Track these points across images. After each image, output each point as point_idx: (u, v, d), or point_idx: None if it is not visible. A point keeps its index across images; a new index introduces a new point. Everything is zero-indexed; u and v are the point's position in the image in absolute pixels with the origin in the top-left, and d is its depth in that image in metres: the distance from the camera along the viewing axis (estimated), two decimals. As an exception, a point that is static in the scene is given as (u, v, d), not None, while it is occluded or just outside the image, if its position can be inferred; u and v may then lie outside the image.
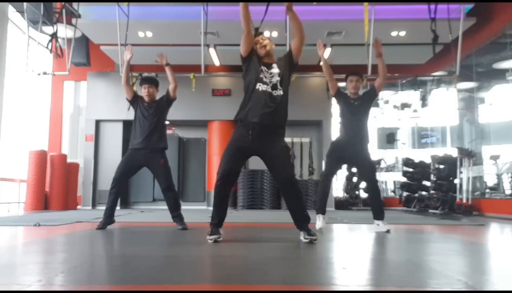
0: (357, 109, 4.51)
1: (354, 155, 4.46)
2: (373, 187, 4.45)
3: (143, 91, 4.67)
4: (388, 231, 4.22)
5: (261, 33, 3.66)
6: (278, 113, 3.37)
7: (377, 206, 4.44)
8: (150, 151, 4.52)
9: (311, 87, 10.41)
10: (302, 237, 3.31)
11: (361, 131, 4.49)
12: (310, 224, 3.38)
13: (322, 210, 4.66)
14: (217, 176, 3.38)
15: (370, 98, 4.62)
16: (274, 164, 3.39)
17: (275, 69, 3.46)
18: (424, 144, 12.95)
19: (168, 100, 4.68)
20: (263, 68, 3.44)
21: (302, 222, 3.36)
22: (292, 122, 10.54)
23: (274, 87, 3.39)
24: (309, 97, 10.22)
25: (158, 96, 4.79)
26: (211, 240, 3.36)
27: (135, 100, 4.68)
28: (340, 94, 4.64)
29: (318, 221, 4.57)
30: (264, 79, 3.40)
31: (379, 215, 4.39)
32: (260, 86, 3.38)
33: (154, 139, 4.53)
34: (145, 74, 8.44)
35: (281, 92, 3.41)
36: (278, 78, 3.43)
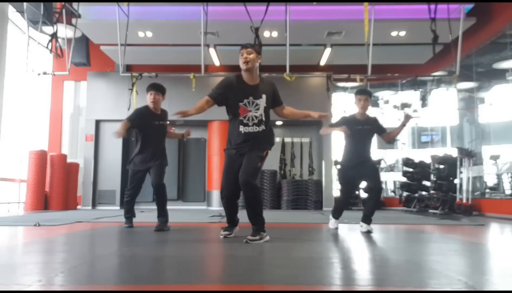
0: (365, 132, 4.48)
1: (362, 168, 4.45)
2: (377, 193, 4.55)
3: (148, 98, 4.60)
4: (369, 231, 4.27)
5: (246, 47, 3.53)
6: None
7: (370, 211, 4.47)
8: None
9: (311, 87, 10.41)
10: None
11: (367, 150, 4.52)
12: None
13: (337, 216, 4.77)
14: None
15: (376, 129, 4.57)
16: None
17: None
18: (424, 144, 12.95)
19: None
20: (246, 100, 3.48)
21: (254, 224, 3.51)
22: (292, 122, 10.64)
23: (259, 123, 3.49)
24: (309, 97, 10.21)
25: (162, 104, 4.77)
26: (222, 235, 3.68)
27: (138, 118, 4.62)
28: (348, 124, 4.51)
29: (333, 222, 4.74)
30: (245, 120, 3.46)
31: (367, 219, 4.40)
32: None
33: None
34: (145, 74, 8.43)
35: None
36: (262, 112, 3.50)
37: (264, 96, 3.50)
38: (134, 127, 4.62)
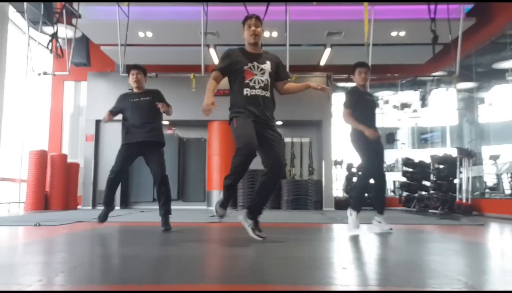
0: (372, 104, 4.54)
1: (378, 143, 4.33)
2: (383, 179, 4.41)
3: (130, 79, 4.53)
4: (391, 229, 4.21)
5: (253, 17, 3.50)
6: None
7: (382, 201, 4.43)
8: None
9: (311, 87, 10.40)
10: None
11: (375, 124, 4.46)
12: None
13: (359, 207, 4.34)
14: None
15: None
16: None
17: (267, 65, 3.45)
18: (424, 144, 12.95)
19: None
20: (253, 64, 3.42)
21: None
22: (292, 122, 10.65)
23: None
24: (309, 97, 10.19)
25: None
26: (259, 236, 3.37)
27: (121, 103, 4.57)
28: (358, 96, 4.56)
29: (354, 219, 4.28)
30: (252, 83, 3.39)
31: (382, 209, 4.35)
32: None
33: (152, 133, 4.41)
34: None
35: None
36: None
37: (268, 62, 3.44)
38: (118, 113, 4.58)
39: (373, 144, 4.23)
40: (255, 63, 3.39)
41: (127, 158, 4.41)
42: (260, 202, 3.43)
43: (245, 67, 3.36)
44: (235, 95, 3.43)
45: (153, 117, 4.45)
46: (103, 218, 4.51)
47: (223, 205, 3.42)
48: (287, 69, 7.40)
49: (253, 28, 3.41)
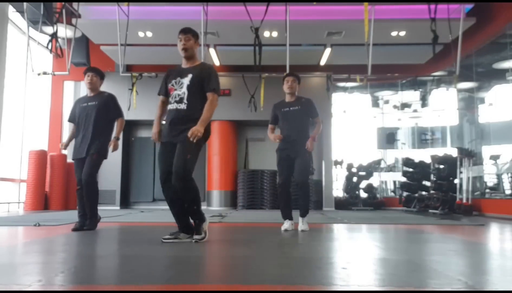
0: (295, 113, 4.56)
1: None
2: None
3: (85, 80, 4.54)
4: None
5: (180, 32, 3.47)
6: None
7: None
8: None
9: (311, 87, 10.39)
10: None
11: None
12: None
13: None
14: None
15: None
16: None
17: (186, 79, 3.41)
18: (424, 144, 12.95)
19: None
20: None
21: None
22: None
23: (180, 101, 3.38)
24: (309, 97, 10.20)
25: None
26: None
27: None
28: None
29: None
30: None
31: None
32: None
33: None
34: (145, 74, 8.44)
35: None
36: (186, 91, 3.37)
37: (190, 75, 3.40)
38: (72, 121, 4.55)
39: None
40: (178, 79, 3.43)
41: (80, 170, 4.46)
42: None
43: (169, 85, 3.48)
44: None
45: (96, 122, 4.42)
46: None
47: None
48: (287, 70, 7.46)
49: (183, 41, 3.43)
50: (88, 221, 4.33)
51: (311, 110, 4.60)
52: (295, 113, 4.54)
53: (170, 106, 3.42)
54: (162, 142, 3.44)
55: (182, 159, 3.21)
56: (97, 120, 4.40)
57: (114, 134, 4.45)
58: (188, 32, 3.43)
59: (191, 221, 3.43)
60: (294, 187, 4.52)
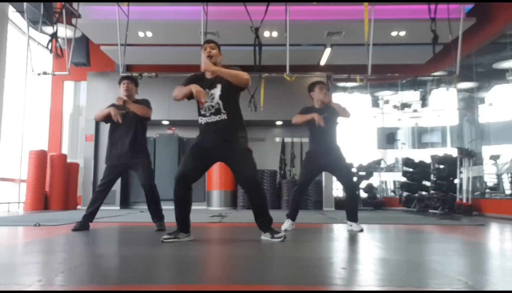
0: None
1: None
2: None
3: (121, 88, 4.52)
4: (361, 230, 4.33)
5: (208, 42, 3.54)
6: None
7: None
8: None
9: (311, 87, 10.40)
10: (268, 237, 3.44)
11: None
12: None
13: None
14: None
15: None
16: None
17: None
18: (424, 144, 12.95)
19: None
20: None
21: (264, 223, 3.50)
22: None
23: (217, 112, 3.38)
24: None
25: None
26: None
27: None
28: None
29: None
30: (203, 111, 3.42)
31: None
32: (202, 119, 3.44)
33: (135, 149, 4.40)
34: (145, 74, 8.42)
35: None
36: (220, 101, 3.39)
37: (219, 85, 3.42)
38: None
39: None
40: (207, 90, 3.41)
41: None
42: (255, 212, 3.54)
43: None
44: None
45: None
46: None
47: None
48: (287, 70, 7.47)
49: (208, 49, 3.47)
50: (160, 222, 4.40)
51: (340, 107, 4.66)
52: (327, 121, 4.57)
53: (205, 119, 3.40)
54: (201, 145, 3.43)
55: (251, 167, 3.38)
56: (137, 127, 4.43)
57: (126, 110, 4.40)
58: (212, 42, 3.54)
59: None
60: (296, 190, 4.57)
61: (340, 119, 4.73)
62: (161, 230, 4.32)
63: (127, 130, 4.38)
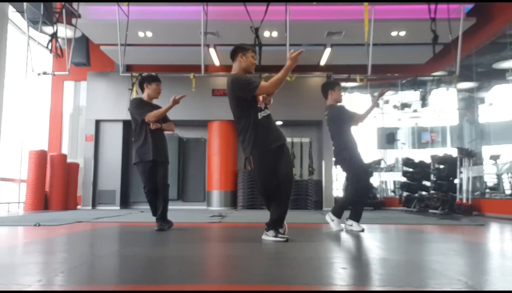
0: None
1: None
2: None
3: (156, 90, 4.56)
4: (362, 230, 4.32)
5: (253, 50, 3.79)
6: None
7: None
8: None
9: (311, 87, 10.40)
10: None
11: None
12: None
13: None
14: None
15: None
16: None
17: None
18: (424, 144, 12.95)
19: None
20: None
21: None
22: (292, 122, 10.65)
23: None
24: (309, 97, 10.21)
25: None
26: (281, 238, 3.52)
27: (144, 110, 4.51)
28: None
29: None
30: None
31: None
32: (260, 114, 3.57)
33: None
34: (145, 74, 8.43)
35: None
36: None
37: None
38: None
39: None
40: None
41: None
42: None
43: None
44: (256, 124, 3.54)
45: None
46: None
47: None
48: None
49: (255, 59, 3.74)
50: (162, 222, 4.42)
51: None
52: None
53: (263, 113, 3.54)
54: (276, 147, 3.50)
55: (291, 164, 3.67)
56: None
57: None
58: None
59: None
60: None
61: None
62: (161, 230, 4.32)
63: (158, 133, 4.50)
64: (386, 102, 13.66)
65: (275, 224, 3.49)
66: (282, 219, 3.53)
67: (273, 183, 3.48)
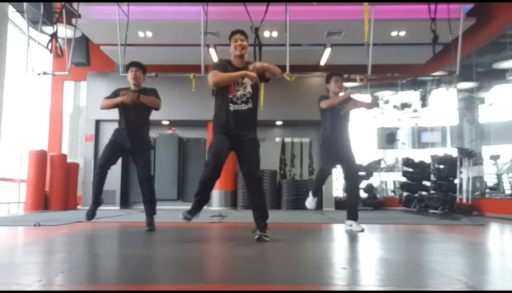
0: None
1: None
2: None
3: (129, 75, 4.50)
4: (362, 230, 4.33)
5: (238, 32, 3.63)
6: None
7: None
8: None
9: (311, 87, 10.40)
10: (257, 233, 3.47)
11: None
12: None
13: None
14: None
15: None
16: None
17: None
18: (424, 144, 12.95)
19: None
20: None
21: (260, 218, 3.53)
22: (292, 122, 10.65)
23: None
24: (309, 97, 10.19)
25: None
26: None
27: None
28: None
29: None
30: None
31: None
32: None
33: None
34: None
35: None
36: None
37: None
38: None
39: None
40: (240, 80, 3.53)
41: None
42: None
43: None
44: (219, 109, 3.61)
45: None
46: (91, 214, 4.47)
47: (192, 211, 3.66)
48: (287, 70, 7.47)
49: (239, 42, 3.55)
50: (151, 219, 4.41)
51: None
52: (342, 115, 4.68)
53: (235, 107, 3.50)
54: (225, 133, 3.53)
55: (258, 161, 3.53)
56: (145, 116, 4.51)
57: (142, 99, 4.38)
58: (243, 33, 3.62)
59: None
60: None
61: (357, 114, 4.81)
62: (151, 230, 4.29)
63: (137, 118, 4.44)
64: (387, 102, 13.67)
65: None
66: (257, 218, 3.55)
67: (218, 164, 3.47)
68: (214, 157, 3.46)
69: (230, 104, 3.50)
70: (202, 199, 3.58)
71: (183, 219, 3.58)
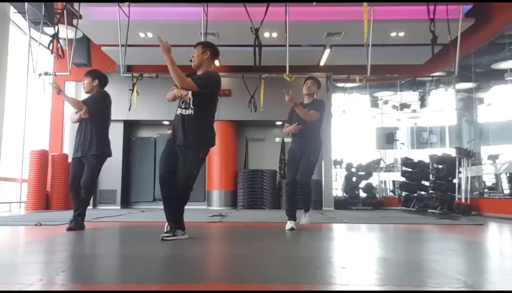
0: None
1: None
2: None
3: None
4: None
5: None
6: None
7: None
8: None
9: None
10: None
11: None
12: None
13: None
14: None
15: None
16: None
17: None
18: (423, 144, 12.97)
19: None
20: None
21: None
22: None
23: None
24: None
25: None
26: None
27: None
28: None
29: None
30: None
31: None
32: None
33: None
34: (146, 74, 8.46)
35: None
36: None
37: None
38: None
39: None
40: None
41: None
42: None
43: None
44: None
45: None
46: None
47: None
48: (287, 70, 7.48)
49: (192, 54, 3.81)
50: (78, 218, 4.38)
51: (317, 107, 4.58)
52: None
53: (182, 111, 3.61)
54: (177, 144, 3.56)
55: (188, 170, 3.50)
56: (93, 121, 4.71)
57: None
58: (198, 45, 3.80)
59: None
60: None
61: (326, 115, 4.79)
62: (71, 229, 4.27)
63: (85, 125, 4.65)
64: (385, 102, 13.68)
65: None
66: (168, 219, 3.58)
67: (166, 172, 3.54)
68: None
69: (178, 109, 3.75)
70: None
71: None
